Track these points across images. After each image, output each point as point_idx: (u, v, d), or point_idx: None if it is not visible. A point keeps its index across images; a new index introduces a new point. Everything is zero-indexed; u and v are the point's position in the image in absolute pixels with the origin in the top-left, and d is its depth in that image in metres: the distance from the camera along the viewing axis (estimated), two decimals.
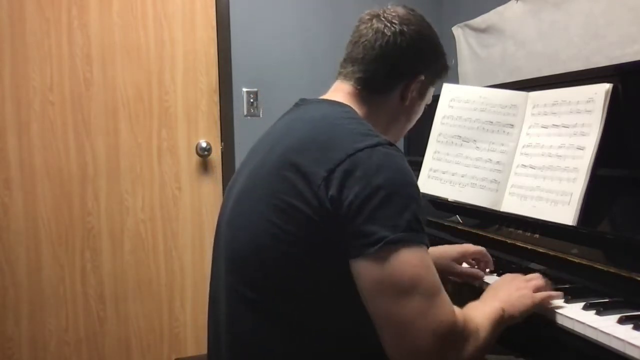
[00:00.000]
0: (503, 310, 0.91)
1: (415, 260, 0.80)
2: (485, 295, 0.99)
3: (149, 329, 2.30)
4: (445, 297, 0.82)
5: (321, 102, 1.01)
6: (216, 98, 2.35)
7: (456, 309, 0.84)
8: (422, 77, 1.02)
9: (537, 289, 0.99)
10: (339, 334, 0.90)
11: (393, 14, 1.00)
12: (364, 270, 0.80)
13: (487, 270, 1.25)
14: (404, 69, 1.00)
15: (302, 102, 1.04)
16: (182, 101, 2.29)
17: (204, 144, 2.31)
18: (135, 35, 2.22)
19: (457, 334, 0.81)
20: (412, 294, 0.78)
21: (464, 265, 1.28)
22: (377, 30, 0.99)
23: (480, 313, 0.89)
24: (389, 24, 0.98)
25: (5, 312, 2.10)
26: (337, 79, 1.05)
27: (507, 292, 0.97)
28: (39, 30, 2.10)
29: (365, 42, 0.99)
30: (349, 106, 0.98)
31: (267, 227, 0.86)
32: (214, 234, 1.07)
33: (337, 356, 0.90)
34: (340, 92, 1.01)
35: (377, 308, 0.81)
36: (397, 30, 0.98)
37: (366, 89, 1.00)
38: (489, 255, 1.26)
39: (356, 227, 0.80)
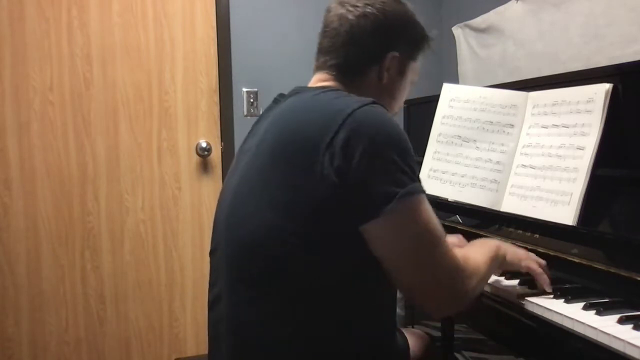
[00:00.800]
0: (499, 248, 1.02)
1: (424, 208, 0.86)
2: (483, 239, 1.11)
3: (149, 329, 2.30)
4: (447, 241, 0.89)
5: (301, 90, 1.01)
6: (216, 98, 2.35)
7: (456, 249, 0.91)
8: (396, 54, 1.01)
9: (534, 261, 1.07)
10: (342, 326, 0.90)
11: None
12: (381, 228, 0.84)
13: None
14: (374, 50, 0.99)
15: (280, 97, 1.04)
16: (182, 101, 2.29)
17: (204, 144, 2.31)
18: (135, 35, 2.22)
19: (464, 269, 0.89)
20: (427, 240, 0.86)
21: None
22: (340, 17, 0.99)
23: (478, 251, 0.98)
24: (351, 8, 0.98)
25: (5, 312, 2.10)
26: (313, 73, 1.05)
27: (508, 244, 1.09)
28: (39, 30, 2.10)
29: (331, 31, 1.00)
30: (337, 88, 0.98)
31: (269, 219, 0.87)
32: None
33: (341, 348, 0.91)
34: (319, 82, 1.02)
35: (395, 260, 0.86)
36: (360, 12, 0.98)
37: (341, 74, 1.01)
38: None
39: (365, 189, 0.82)
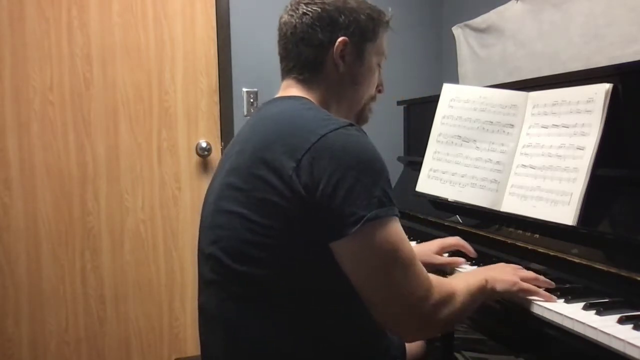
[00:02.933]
0: (486, 281, 0.99)
1: (391, 233, 0.86)
2: (475, 270, 1.09)
3: (149, 329, 2.30)
4: (420, 264, 0.89)
5: (277, 99, 1.04)
6: (216, 98, 2.35)
7: (431, 275, 0.90)
8: (345, 39, 1.01)
9: (524, 279, 1.04)
10: (330, 322, 0.92)
11: (297, 0, 1.04)
12: (346, 249, 0.85)
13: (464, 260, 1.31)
14: (321, 40, 1.01)
15: (262, 105, 1.07)
16: (182, 101, 2.29)
17: (204, 144, 2.31)
18: (135, 35, 2.22)
19: (435, 296, 0.88)
20: (394, 264, 0.85)
21: (445, 255, 1.33)
22: (285, 23, 1.04)
23: (462, 281, 0.97)
24: (292, 12, 1.03)
25: (5, 312, 2.10)
26: (281, 81, 1.08)
27: (494, 271, 1.06)
28: (39, 30, 2.10)
29: (282, 38, 1.05)
30: (303, 97, 1.01)
31: (246, 224, 0.89)
32: None
33: (331, 344, 0.93)
34: (288, 88, 1.05)
35: (362, 281, 0.87)
36: (301, 12, 1.01)
37: (303, 74, 1.03)
38: (469, 247, 1.31)
39: (333, 210, 0.83)
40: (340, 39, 1.01)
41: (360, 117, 1.11)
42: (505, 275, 1.04)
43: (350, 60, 1.03)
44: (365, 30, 1.04)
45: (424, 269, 0.89)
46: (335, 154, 0.85)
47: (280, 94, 1.06)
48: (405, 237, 0.88)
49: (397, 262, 0.85)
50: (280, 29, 1.06)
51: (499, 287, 1.01)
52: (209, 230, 1.00)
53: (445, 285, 0.92)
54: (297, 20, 1.02)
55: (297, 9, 1.02)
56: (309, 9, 1.01)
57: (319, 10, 1.01)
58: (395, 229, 0.87)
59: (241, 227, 0.90)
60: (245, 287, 0.91)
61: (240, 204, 0.90)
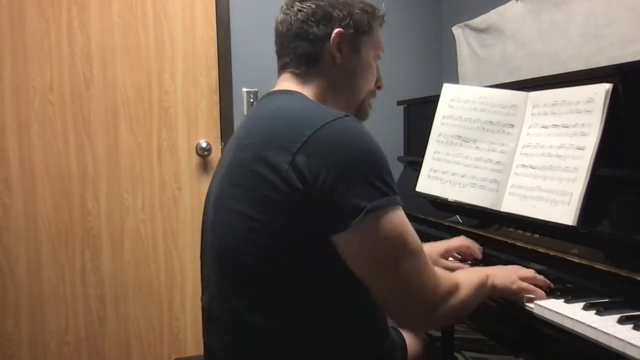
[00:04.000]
0: (487, 276, 1.01)
1: (395, 222, 0.85)
2: (475, 267, 1.12)
3: (149, 329, 2.30)
4: (426, 256, 0.88)
5: (272, 95, 1.05)
6: (216, 98, 2.35)
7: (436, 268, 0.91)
8: (341, 31, 1.02)
9: (523, 278, 1.06)
10: (331, 322, 0.92)
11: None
12: (350, 242, 0.84)
13: (470, 262, 1.31)
14: (317, 34, 1.02)
15: (257, 102, 1.09)
16: (182, 101, 2.29)
17: (204, 144, 2.31)
18: (135, 35, 2.22)
19: (443, 286, 0.89)
20: (400, 253, 0.85)
21: (450, 259, 1.32)
22: (282, 21, 1.06)
23: (464, 274, 0.99)
24: (287, 11, 1.05)
25: (5, 312, 2.10)
26: (277, 76, 1.09)
27: (494, 269, 1.08)
28: (39, 30, 2.10)
29: (279, 36, 1.07)
30: (298, 92, 1.01)
31: (247, 222, 0.88)
32: None
33: (332, 344, 0.92)
34: (284, 82, 1.06)
35: (368, 274, 0.87)
36: (295, 10, 1.03)
37: (300, 68, 1.04)
38: (475, 246, 1.31)
39: (333, 203, 0.82)
40: (336, 30, 1.01)
41: (360, 113, 1.11)
42: (505, 272, 1.06)
43: (346, 52, 1.03)
44: (360, 23, 1.04)
45: (429, 261, 0.89)
46: (333, 146, 0.84)
47: (275, 88, 1.07)
48: (410, 226, 0.88)
49: (403, 252, 0.85)
50: (276, 28, 1.08)
51: (499, 283, 1.03)
52: (210, 229, 1.00)
53: (450, 277, 0.93)
54: (292, 17, 1.03)
55: (292, 7, 1.04)
56: (303, 6, 1.02)
57: (313, 6, 1.02)
58: (399, 218, 0.86)
59: (241, 225, 0.89)
60: (247, 285, 0.91)
61: (240, 202, 0.90)
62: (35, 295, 2.13)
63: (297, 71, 1.04)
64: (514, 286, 1.04)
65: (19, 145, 2.10)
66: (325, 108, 0.93)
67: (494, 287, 1.02)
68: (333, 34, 1.01)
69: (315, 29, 1.01)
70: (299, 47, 1.03)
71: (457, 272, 1.02)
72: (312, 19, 1.01)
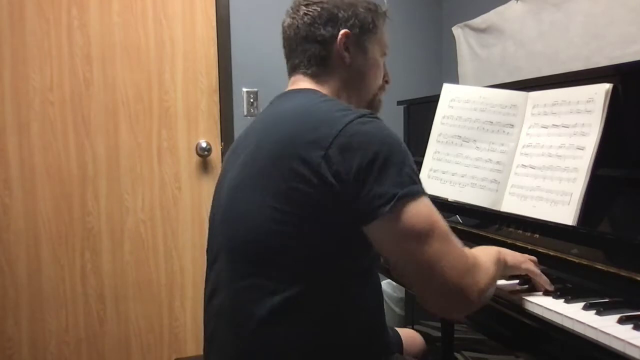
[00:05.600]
0: (499, 252, 1.02)
1: (425, 208, 0.87)
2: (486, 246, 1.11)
3: (149, 329, 2.30)
4: (456, 238, 0.90)
5: (290, 93, 1.06)
6: (216, 98, 2.35)
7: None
8: (347, 32, 1.04)
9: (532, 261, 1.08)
10: (347, 315, 0.94)
11: (297, 3, 1.07)
12: (384, 229, 0.86)
13: None
14: (324, 36, 1.04)
15: (274, 100, 1.09)
16: (182, 101, 2.29)
17: (204, 144, 2.31)
18: (135, 35, 2.22)
19: (474, 266, 0.89)
20: (432, 237, 0.86)
21: None
22: (289, 25, 1.07)
23: (484, 253, 0.99)
24: (294, 15, 1.07)
25: (5, 312, 2.10)
26: (289, 78, 1.10)
27: (505, 249, 1.08)
28: (39, 30, 2.10)
29: (287, 39, 1.09)
30: (317, 90, 1.04)
31: (268, 213, 0.90)
32: None
33: (331, 340, 0.93)
34: (299, 82, 1.07)
35: (403, 259, 0.88)
36: (301, 13, 1.05)
37: (311, 69, 1.06)
38: None
39: (366, 192, 0.85)
40: (342, 31, 1.04)
41: (372, 108, 1.12)
42: (514, 253, 1.08)
43: (354, 52, 1.06)
44: (365, 22, 1.06)
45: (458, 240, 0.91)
46: (362, 140, 0.86)
47: (291, 87, 1.08)
48: (438, 212, 0.89)
49: (435, 236, 0.86)
50: (283, 32, 1.09)
51: (510, 260, 1.04)
52: (223, 225, 1.00)
53: (480, 257, 0.94)
54: (299, 21, 1.05)
55: (298, 11, 1.06)
56: (309, 10, 1.04)
57: (319, 9, 1.04)
58: (429, 204, 0.88)
59: (261, 217, 0.90)
60: (261, 277, 0.91)
61: (262, 194, 0.91)
62: (35, 295, 2.13)
63: (308, 71, 1.06)
64: (523, 265, 1.05)
65: (19, 145, 2.10)
66: (348, 106, 0.96)
67: (505, 264, 1.03)
68: (340, 35, 1.03)
69: (322, 31, 1.04)
70: (308, 50, 1.05)
71: (479, 252, 1.01)
72: (319, 22, 1.04)
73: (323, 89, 1.05)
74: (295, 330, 0.91)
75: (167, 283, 2.31)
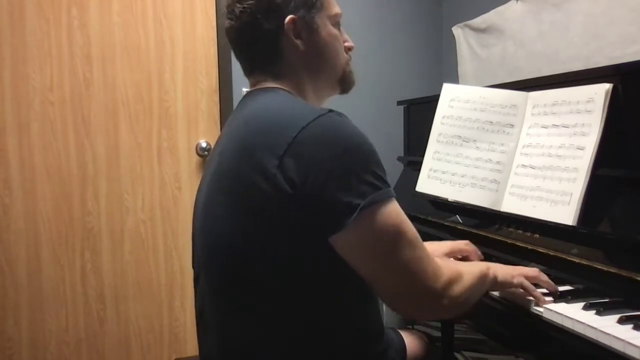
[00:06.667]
0: (488, 268, 1.00)
1: (391, 215, 0.84)
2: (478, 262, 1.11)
3: (149, 329, 2.30)
4: (424, 246, 0.87)
5: (253, 93, 1.01)
6: (216, 98, 2.35)
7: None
8: (293, 17, 0.97)
9: (526, 276, 1.05)
10: (325, 325, 0.90)
11: (229, 2, 1.01)
12: (348, 240, 0.83)
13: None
14: (269, 29, 0.98)
15: (240, 101, 1.05)
16: (182, 101, 2.29)
17: (204, 144, 2.31)
18: (135, 35, 2.22)
19: (444, 276, 0.87)
20: (400, 245, 0.83)
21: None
22: (229, 29, 1.02)
23: (465, 265, 0.99)
24: (231, 17, 1.00)
25: (5, 312, 2.10)
26: (249, 80, 1.06)
27: (497, 264, 1.07)
28: (39, 30, 2.10)
29: (233, 44, 1.04)
30: (278, 88, 0.99)
31: (236, 226, 0.87)
32: None
33: (325, 347, 0.91)
34: (260, 82, 1.02)
35: (370, 270, 0.85)
36: (238, 12, 0.99)
37: (266, 68, 1.01)
38: (477, 253, 1.29)
39: (326, 204, 0.81)
40: (287, 18, 0.97)
41: (344, 83, 1.07)
42: (506, 268, 1.06)
43: (306, 36, 0.99)
44: (307, 1, 0.99)
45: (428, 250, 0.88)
46: (319, 145, 0.81)
47: (253, 87, 1.04)
48: (406, 217, 0.86)
49: (402, 243, 0.83)
50: (227, 36, 1.04)
51: (500, 276, 1.02)
52: (200, 237, 0.98)
53: (451, 266, 0.92)
54: (237, 22, 0.99)
55: (234, 11, 1.00)
56: (244, 6, 0.98)
57: (254, 2, 0.97)
58: (394, 210, 0.84)
59: (230, 231, 0.87)
60: (238, 291, 0.90)
61: (228, 208, 0.88)
62: (35, 295, 2.13)
63: (265, 71, 1.01)
64: (515, 280, 1.03)
65: (19, 145, 2.10)
66: (307, 105, 0.91)
67: (495, 280, 1.01)
68: (286, 24, 0.97)
69: (266, 25, 0.97)
70: (258, 50, 1.00)
71: (459, 263, 1.01)
72: (259, 16, 0.97)
73: (288, 83, 0.99)
74: (283, 341, 0.89)
75: (167, 283, 2.31)
